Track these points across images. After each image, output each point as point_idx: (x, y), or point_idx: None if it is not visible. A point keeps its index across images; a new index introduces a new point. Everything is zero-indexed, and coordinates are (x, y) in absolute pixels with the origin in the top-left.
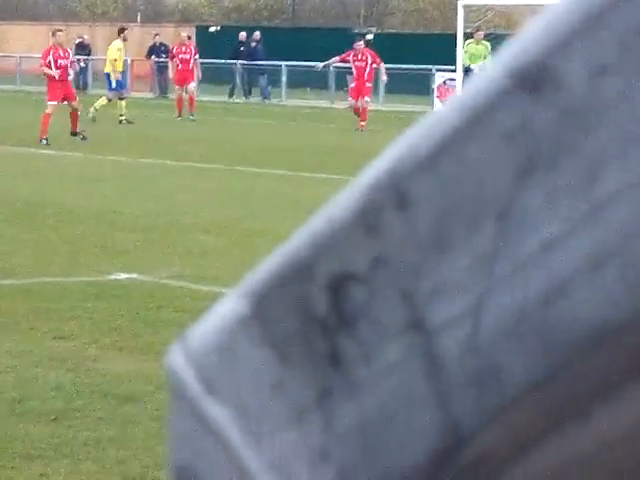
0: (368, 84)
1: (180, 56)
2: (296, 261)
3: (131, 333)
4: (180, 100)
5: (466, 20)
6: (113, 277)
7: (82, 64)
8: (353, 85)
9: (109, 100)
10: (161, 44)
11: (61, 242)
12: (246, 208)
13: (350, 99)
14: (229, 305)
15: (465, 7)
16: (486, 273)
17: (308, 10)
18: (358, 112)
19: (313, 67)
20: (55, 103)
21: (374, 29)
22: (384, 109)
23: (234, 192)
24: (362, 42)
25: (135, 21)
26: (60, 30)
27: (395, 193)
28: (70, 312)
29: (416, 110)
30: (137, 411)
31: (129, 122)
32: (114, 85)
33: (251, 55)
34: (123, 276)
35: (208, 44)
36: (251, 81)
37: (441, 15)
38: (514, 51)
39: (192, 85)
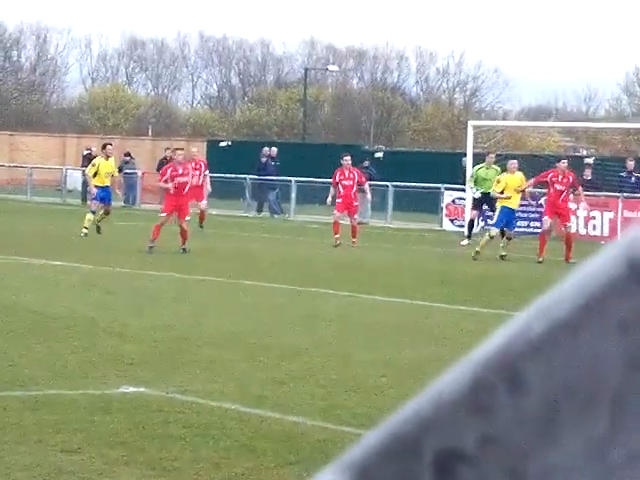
0: (355, 203)
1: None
2: (402, 436)
3: (138, 447)
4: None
5: (475, 140)
6: (121, 390)
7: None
8: (340, 201)
9: (92, 212)
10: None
11: (70, 353)
12: (255, 322)
13: (336, 212)
14: (330, 477)
15: (475, 127)
16: (600, 458)
17: (319, 126)
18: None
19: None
20: (164, 215)
21: (383, 147)
22: (392, 226)
23: (243, 305)
24: (348, 158)
25: (146, 134)
26: (180, 149)
27: (507, 373)
28: (78, 425)
29: (425, 228)
30: None
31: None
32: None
33: (262, 170)
34: (131, 389)
35: (219, 158)
36: (262, 196)
37: (450, 134)
38: (634, 242)
39: (203, 203)
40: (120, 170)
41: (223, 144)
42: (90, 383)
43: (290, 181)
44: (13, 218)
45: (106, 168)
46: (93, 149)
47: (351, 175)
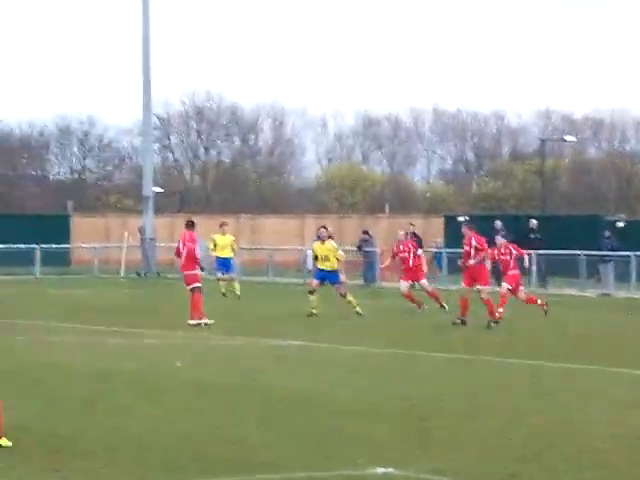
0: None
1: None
2: None
3: None
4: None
5: None
6: (371, 471)
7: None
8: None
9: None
10: (413, 234)
11: (319, 434)
12: (500, 394)
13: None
14: None
15: None
16: None
17: (557, 198)
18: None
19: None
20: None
21: (624, 216)
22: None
23: (481, 379)
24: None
25: (383, 211)
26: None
27: None
28: None
29: None
30: None
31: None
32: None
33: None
34: (380, 470)
35: (457, 233)
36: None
37: None
38: None
39: (423, 281)
40: (359, 248)
41: (460, 219)
42: (339, 464)
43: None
44: (255, 300)
45: (222, 241)
46: (329, 229)
47: (506, 250)
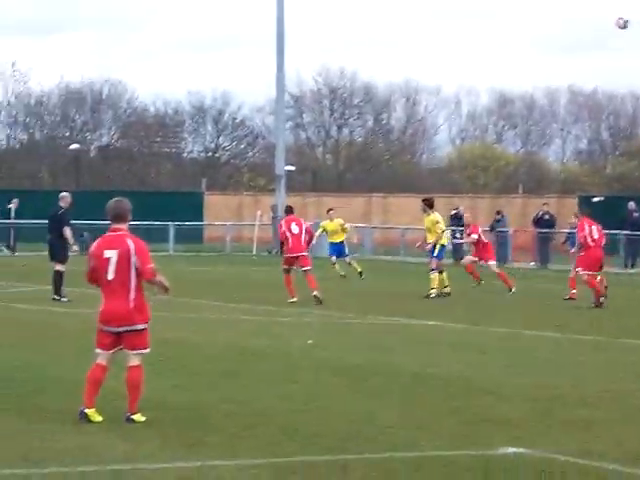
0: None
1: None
2: None
3: None
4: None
5: None
6: (501, 451)
7: (457, 235)
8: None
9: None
10: (545, 213)
11: (448, 414)
12: (636, 382)
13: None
14: None
15: None
16: None
17: None
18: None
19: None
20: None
21: None
22: None
23: (624, 364)
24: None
25: (516, 192)
26: None
27: None
28: None
29: None
30: None
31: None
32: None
33: (631, 225)
34: (510, 450)
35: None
36: (635, 251)
37: None
38: None
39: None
40: (492, 229)
41: (595, 199)
42: (470, 444)
43: None
44: (386, 279)
45: (331, 227)
46: (461, 208)
47: None
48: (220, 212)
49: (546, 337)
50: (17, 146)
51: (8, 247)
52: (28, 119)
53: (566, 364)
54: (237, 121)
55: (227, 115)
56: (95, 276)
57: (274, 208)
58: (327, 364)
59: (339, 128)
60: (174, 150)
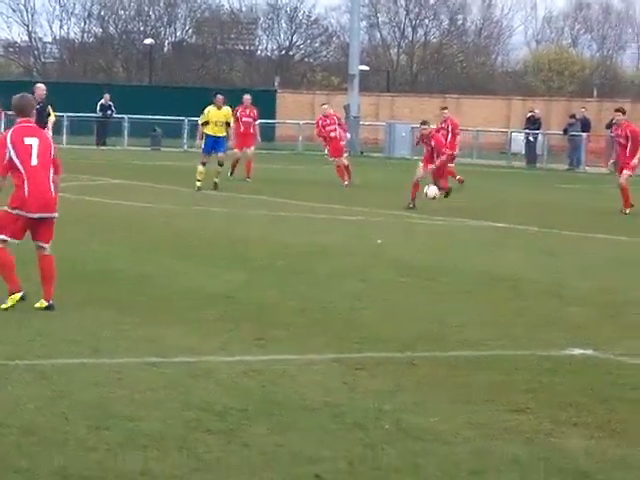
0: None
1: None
2: None
3: (587, 409)
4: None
5: None
6: (567, 352)
7: (531, 138)
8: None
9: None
10: (584, 118)
11: (516, 315)
12: None
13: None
14: None
15: None
16: None
17: None
18: None
19: None
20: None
21: None
22: None
23: None
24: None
25: (591, 96)
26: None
27: None
28: (526, 386)
29: None
30: None
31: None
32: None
33: None
34: (578, 351)
35: None
36: None
37: None
38: None
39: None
40: (565, 132)
41: None
42: (537, 345)
43: None
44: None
45: (217, 117)
46: (537, 111)
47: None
48: (293, 111)
49: (614, 240)
50: (91, 40)
51: None
52: (102, 12)
53: (636, 268)
54: (312, 19)
55: (302, 13)
56: (9, 164)
57: (347, 108)
58: (396, 264)
59: (414, 28)
60: (248, 47)
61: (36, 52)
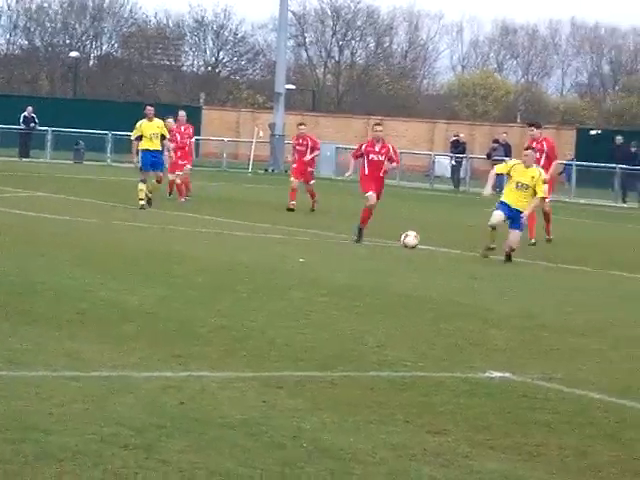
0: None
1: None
2: None
3: (503, 432)
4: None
5: None
6: (486, 375)
7: (453, 162)
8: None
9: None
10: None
11: (436, 336)
12: (623, 312)
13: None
14: None
15: None
16: None
17: None
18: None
19: None
20: None
21: None
22: None
23: (610, 296)
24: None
25: (515, 121)
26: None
27: None
28: (444, 407)
29: None
30: None
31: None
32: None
33: (629, 159)
34: (496, 374)
35: (587, 147)
36: (628, 185)
37: None
38: None
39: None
40: (489, 156)
41: (592, 132)
42: (456, 366)
43: None
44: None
45: (150, 129)
46: (461, 135)
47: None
48: (218, 128)
49: (533, 265)
50: (17, 52)
51: None
52: (29, 24)
53: (547, 290)
54: (238, 37)
55: (228, 30)
56: None
57: (272, 126)
58: (317, 283)
59: (341, 49)
60: (174, 63)
61: None
